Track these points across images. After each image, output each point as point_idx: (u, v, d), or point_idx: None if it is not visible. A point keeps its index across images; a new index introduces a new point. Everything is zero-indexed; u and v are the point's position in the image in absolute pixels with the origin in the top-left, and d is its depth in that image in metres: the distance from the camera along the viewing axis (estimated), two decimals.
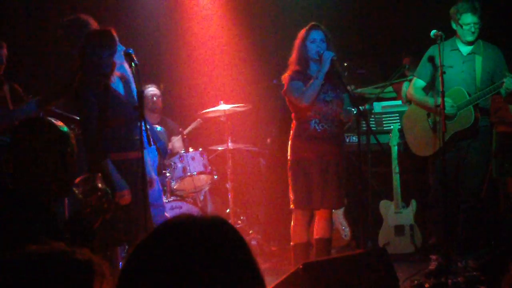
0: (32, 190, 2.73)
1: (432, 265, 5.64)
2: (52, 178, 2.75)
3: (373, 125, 6.78)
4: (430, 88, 5.75)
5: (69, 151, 2.80)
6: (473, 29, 5.52)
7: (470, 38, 5.55)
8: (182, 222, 1.35)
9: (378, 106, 6.86)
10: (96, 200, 2.94)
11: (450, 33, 5.67)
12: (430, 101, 5.65)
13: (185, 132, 7.44)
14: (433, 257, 5.72)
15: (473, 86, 5.57)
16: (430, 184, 5.91)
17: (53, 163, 2.75)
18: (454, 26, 5.62)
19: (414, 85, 5.82)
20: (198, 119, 7.41)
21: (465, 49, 5.63)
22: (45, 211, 2.73)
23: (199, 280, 1.25)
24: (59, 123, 2.85)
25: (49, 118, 2.91)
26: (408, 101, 6.37)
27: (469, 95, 5.49)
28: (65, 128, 2.85)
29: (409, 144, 5.95)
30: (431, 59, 5.66)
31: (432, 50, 5.68)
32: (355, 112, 5.15)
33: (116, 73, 4.81)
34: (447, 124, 5.31)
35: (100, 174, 3.06)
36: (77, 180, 3.20)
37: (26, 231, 2.55)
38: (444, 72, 5.23)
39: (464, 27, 5.52)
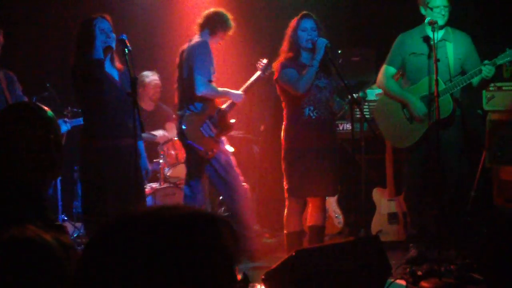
0: (16, 175, 2.71)
1: (413, 252, 5.67)
2: (36, 162, 2.73)
3: (367, 113, 6.78)
4: (400, 75, 5.78)
5: (53, 136, 2.77)
6: (443, 12, 5.48)
7: (441, 21, 5.47)
8: (134, 217, 1.21)
9: (372, 94, 6.85)
10: None
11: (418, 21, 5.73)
12: (406, 96, 5.60)
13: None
14: (411, 245, 5.79)
15: (447, 73, 5.55)
16: (405, 175, 5.88)
17: (37, 148, 2.72)
18: (423, 11, 5.57)
19: (386, 74, 5.75)
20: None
21: (436, 36, 5.57)
22: (30, 197, 2.71)
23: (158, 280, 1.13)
24: (44, 108, 2.83)
25: (36, 103, 2.89)
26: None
27: (444, 83, 5.48)
28: (50, 113, 2.83)
29: (386, 136, 5.91)
30: (402, 46, 5.67)
31: (402, 38, 5.73)
32: (345, 105, 5.18)
33: (118, 65, 4.85)
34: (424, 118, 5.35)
35: None
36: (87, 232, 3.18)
37: (10, 217, 2.54)
38: (439, 60, 5.19)
39: (434, 9, 5.48)
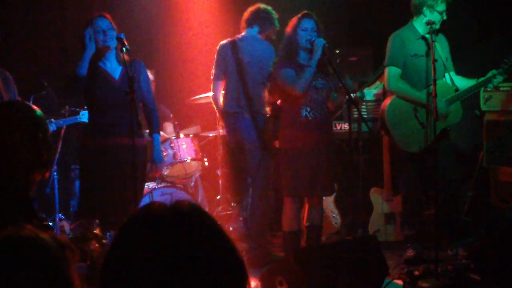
0: (3, 174, 2.70)
1: (410, 252, 5.67)
2: (24, 162, 2.72)
3: (365, 113, 6.77)
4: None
5: (41, 136, 2.77)
6: (445, 17, 5.51)
7: (439, 26, 5.51)
8: (153, 213, 1.32)
9: (369, 94, 6.85)
10: (86, 246, 2.89)
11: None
12: (419, 95, 5.48)
13: (181, 134, 7.48)
14: (408, 245, 5.76)
15: (441, 73, 5.56)
16: (404, 177, 5.86)
17: (25, 147, 2.71)
18: (427, 12, 5.49)
19: (393, 75, 5.57)
20: (198, 127, 7.48)
21: (428, 37, 5.58)
22: (18, 196, 2.70)
23: (177, 270, 1.23)
24: (33, 107, 2.83)
25: (24, 102, 2.89)
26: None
27: (455, 89, 5.51)
28: (39, 113, 2.83)
29: (397, 140, 5.62)
30: (403, 47, 5.59)
31: (400, 37, 5.63)
32: (344, 99, 5.15)
33: (127, 58, 4.81)
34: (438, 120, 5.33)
35: (96, 221, 3.01)
36: (73, 225, 3.20)
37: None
38: (436, 60, 5.18)
39: (441, 14, 5.49)
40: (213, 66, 6.00)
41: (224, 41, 5.97)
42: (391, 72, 5.58)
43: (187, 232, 1.27)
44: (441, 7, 5.47)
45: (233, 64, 5.85)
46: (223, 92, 6.02)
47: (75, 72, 4.75)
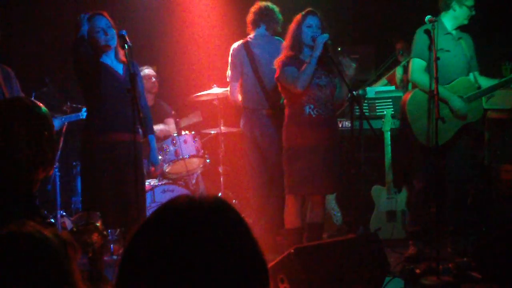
0: (8, 171, 2.70)
1: (412, 250, 5.66)
2: (29, 159, 2.72)
3: (366, 111, 6.76)
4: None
5: (47, 133, 2.76)
6: (473, 12, 5.51)
7: (467, 21, 5.52)
8: (183, 205, 1.31)
9: (371, 92, 6.84)
10: (88, 238, 2.87)
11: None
12: (444, 92, 5.38)
13: (182, 125, 7.47)
14: (411, 242, 5.76)
15: (466, 70, 5.56)
16: (422, 171, 5.83)
17: (30, 144, 2.71)
18: (457, 7, 5.50)
19: (416, 67, 5.53)
20: (198, 112, 7.46)
21: (454, 33, 5.57)
22: (21, 193, 2.70)
23: (203, 264, 1.22)
24: (39, 104, 2.82)
25: (30, 99, 2.89)
26: (404, 86, 6.30)
27: (478, 86, 5.51)
28: (45, 110, 2.82)
29: (416, 134, 5.55)
30: (430, 38, 5.54)
31: (428, 31, 5.57)
32: (348, 94, 5.16)
33: (124, 59, 4.81)
34: (458, 117, 5.29)
35: (98, 213, 2.99)
36: (74, 217, 3.18)
37: (2, 213, 2.54)
38: (438, 58, 5.16)
39: (470, 9, 5.49)
40: (228, 68, 6.00)
41: (237, 43, 6.02)
42: (415, 63, 5.56)
43: (213, 227, 1.27)
44: (470, 2, 5.48)
45: (248, 64, 5.91)
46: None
47: (77, 36, 4.79)
